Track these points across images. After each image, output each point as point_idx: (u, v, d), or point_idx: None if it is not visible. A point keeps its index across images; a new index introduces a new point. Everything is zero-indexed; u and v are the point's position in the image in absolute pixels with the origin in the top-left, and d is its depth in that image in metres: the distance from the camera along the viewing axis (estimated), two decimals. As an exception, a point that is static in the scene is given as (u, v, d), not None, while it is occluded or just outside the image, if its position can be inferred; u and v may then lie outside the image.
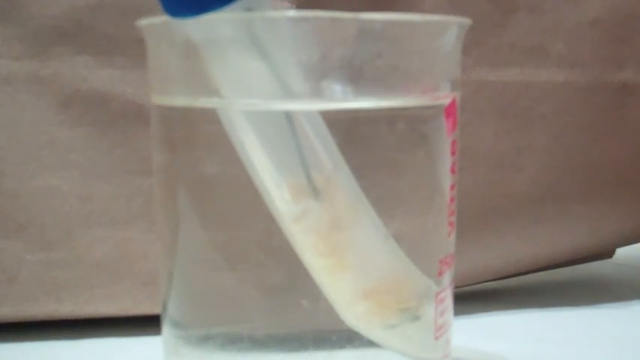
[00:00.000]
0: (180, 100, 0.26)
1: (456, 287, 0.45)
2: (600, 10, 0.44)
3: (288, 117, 0.24)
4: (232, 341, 0.27)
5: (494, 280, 0.47)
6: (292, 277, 0.26)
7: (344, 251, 0.25)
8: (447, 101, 0.27)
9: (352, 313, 0.26)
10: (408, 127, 0.26)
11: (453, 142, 0.27)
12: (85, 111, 0.39)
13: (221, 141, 0.25)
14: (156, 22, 0.26)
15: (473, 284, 0.47)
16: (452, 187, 0.28)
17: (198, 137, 0.26)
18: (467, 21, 0.27)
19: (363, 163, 0.26)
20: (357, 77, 0.24)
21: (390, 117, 0.25)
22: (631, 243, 0.49)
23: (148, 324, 0.39)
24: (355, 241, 0.25)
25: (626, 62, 0.45)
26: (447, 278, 0.28)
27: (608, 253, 0.52)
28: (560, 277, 0.51)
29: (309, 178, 0.24)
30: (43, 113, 0.39)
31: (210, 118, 0.25)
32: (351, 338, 0.27)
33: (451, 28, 0.26)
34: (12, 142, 0.39)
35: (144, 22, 0.26)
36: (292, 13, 0.24)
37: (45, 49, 0.38)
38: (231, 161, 0.25)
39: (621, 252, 0.54)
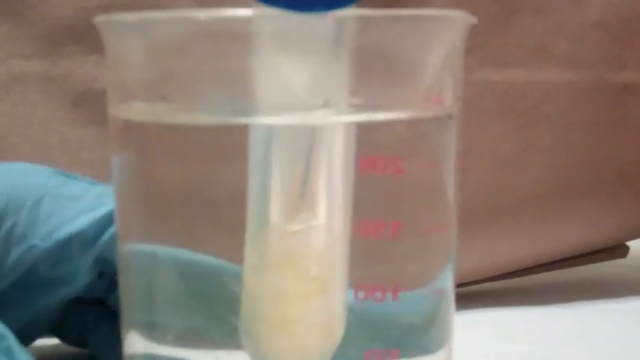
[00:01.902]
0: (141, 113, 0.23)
1: (464, 283, 0.45)
2: (603, 12, 0.44)
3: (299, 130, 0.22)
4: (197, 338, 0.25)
5: (501, 275, 0.47)
6: None
7: (330, 276, 0.23)
8: (450, 104, 0.25)
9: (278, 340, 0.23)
10: (410, 132, 0.24)
11: (456, 147, 0.26)
12: (97, 110, 0.39)
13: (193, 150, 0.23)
14: (129, 20, 0.23)
15: (480, 280, 0.46)
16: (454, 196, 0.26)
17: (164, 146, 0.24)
18: (472, 19, 0.25)
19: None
20: (359, 83, 0.23)
21: (391, 121, 0.24)
22: (633, 238, 0.49)
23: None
24: (340, 266, 0.23)
25: (628, 63, 0.45)
26: (448, 277, 0.26)
27: (621, 253, 0.51)
28: (560, 277, 0.51)
29: (310, 197, 0.22)
30: (55, 112, 0.39)
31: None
32: None
33: (456, 25, 0.25)
34: (24, 140, 0.38)
35: (104, 19, 0.24)
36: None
37: (56, 49, 0.38)
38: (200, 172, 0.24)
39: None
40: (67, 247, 0.30)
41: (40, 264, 0.30)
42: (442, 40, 0.24)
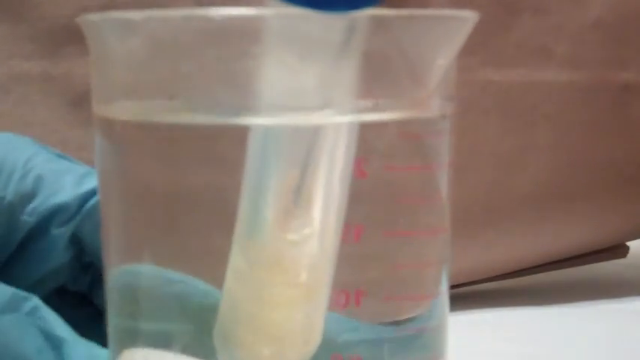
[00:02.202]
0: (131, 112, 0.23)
1: (461, 284, 0.45)
2: (603, 11, 0.43)
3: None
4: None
5: (501, 275, 0.46)
6: None
7: (318, 283, 0.23)
8: (444, 104, 0.25)
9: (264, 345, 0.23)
10: (403, 133, 0.24)
11: (450, 149, 0.25)
12: None
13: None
14: (135, 18, 0.22)
15: (480, 280, 0.46)
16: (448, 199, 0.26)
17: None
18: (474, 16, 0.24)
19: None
20: (368, 84, 0.22)
21: (385, 123, 0.23)
22: (633, 238, 0.49)
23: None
24: (327, 274, 0.23)
25: (628, 63, 0.44)
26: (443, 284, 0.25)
27: (621, 253, 0.51)
28: (560, 277, 0.50)
29: (305, 203, 0.22)
30: (55, 112, 0.38)
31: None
32: None
33: (468, 25, 0.24)
34: None
35: (100, 17, 0.23)
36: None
37: (56, 49, 0.38)
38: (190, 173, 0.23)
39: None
40: (48, 221, 0.30)
41: (24, 239, 0.30)
42: (455, 41, 0.24)
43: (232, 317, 0.22)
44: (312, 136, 0.21)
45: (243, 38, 0.21)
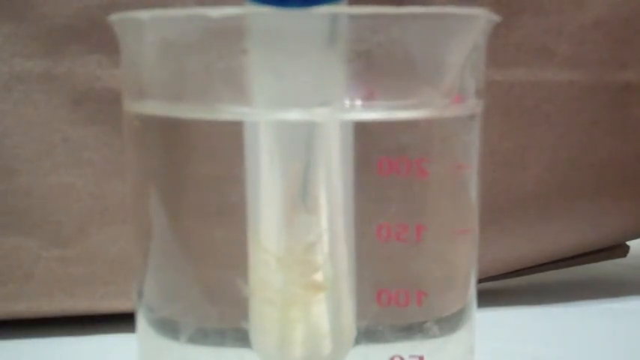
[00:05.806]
0: (160, 108, 0.23)
1: None
2: (603, 12, 0.43)
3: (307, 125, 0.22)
4: (205, 335, 0.25)
5: (501, 275, 0.46)
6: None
7: (335, 281, 0.22)
8: (473, 104, 0.24)
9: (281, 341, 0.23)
10: (433, 133, 0.23)
11: (479, 148, 0.25)
12: (98, 109, 0.38)
13: (198, 142, 0.23)
14: (141, 18, 0.22)
15: (480, 279, 0.45)
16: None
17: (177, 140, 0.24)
18: (495, 17, 0.24)
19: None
20: (375, 80, 0.22)
21: (413, 122, 0.23)
22: (633, 238, 0.49)
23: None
24: (344, 271, 0.23)
25: (628, 62, 0.44)
26: (473, 279, 0.25)
27: (621, 253, 0.50)
28: (560, 277, 0.51)
29: (311, 200, 0.22)
30: (57, 111, 0.38)
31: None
32: None
33: (477, 23, 0.24)
34: (26, 140, 0.38)
35: (119, 17, 0.23)
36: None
37: (58, 48, 0.38)
38: (213, 163, 0.23)
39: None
40: None
41: None
42: (463, 39, 0.23)
43: (260, 317, 0.22)
44: (309, 133, 0.21)
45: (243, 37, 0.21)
